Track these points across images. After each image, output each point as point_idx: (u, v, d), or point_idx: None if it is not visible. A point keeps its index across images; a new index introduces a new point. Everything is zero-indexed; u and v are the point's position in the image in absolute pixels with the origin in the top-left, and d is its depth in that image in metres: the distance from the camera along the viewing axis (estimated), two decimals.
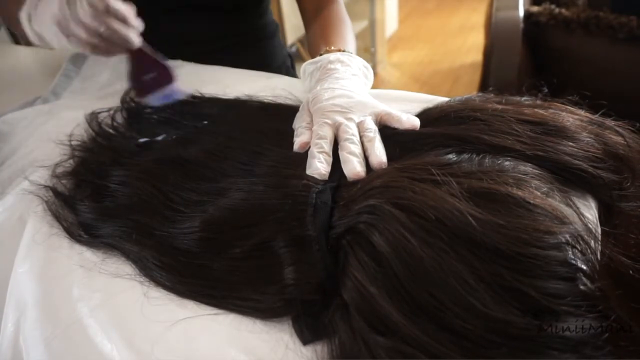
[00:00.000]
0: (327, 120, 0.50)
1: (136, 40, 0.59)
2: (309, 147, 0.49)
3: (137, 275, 0.42)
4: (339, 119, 0.50)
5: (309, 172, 0.45)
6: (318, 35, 0.72)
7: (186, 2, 0.78)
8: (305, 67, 0.63)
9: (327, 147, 0.48)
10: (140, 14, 0.81)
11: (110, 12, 0.55)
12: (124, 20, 0.56)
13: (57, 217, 0.49)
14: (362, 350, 0.30)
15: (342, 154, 0.46)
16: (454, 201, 0.34)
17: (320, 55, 0.63)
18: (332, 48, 0.63)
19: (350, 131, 0.48)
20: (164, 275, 0.41)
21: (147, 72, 0.64)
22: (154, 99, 0.65)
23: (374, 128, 0.49)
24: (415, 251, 0.32)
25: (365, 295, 0.32)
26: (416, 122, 0.49)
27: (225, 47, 0.82)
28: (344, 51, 0.63)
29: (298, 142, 0.50)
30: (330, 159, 0.47)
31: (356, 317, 0.32)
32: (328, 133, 0.49)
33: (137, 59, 0.63)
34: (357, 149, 0.46)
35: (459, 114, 0.48)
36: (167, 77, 0.65)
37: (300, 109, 0.56)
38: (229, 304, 0.38)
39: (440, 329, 0.30)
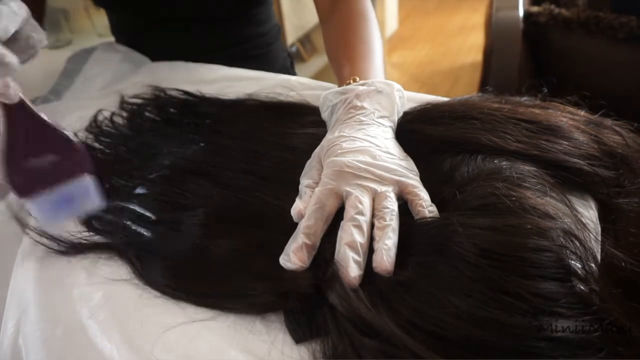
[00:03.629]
0: (333, 185, 0.40)
1: (11, 89, 0.34)
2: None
3: (133, 278, 0.42)
4: (351, 186, 0.40)
5: (282, 262, 0.37)
6: (339, 48, 0.59)
7: (186, 14, 0.78)
8: (327, 96, 0.52)
9: (319, 225, 0.38)
10: (138, 24, 0.82)
11: None
12: None
13: None
14: (349, 351, 0.31)
15: (340, 245, 0.36)
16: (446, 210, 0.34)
17: (347, 84, 0.52)
18: (359, 80, 0.51)
19: (360, 208, 0.38)
20: (158, 264, 0.41)
21: (36, 153, 0.37)
22: (45, 206, 0.38)
23: (393, 209, 0.38)
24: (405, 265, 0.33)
25: (350, 299, 0.33)
26: (435, 211, 0.39)
27: (226, 57, 0.81)
28: (372, 80, 0.51)
29: (295, 209, 0.40)
30: (317, 245, 0.38)
31: (342, 318, 0.32)
32: (329, 204, 0.39)
33: (19, 123, 0.35)
34: (360, 237, 0.36)
35: (454, 114, 0.48)
36: (73, 167, 0.38)
37: (312, 156, 0.47)
38: (223, 301, 0.38)
39: (427, 332, 0.30)
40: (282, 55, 0.94)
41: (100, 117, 0.65)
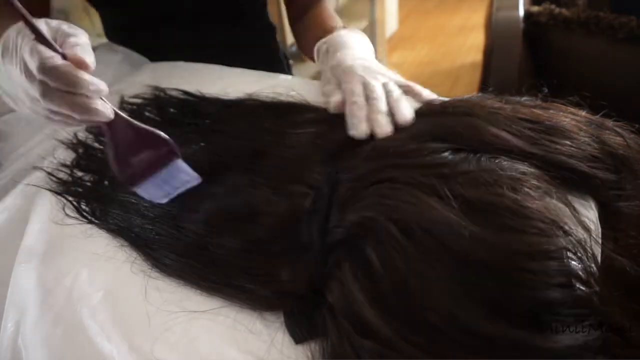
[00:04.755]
0: (356, 78, 0.52)
1: (105, 110, 0.40)
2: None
3: (135, 263, 0.42)
4: (366, 77, 0.52)
5: (352, 133, 0.47)
6: (316, 24, 0.71)
7: (185, 10, 0.78)
8: (319, 46, 0.63)
9: (363, 103, 0.49)
10: (133, 23, 0.82)
11: (48, 71, 0.37)
12: (74, 84, 0.37)
13: (68, 199, 0.51)
14: (348, 351, 0.31)
15: (371, 115, 0.48)
16: (450, 215, 0.34)
17: (324, 31, 0.65)
18: (339, 25, 0.66)
19: (377, 90, 0.50)
20: (167, 254, 0.42)
21: (134, 152, 0.45)
22: (153, 190, 0.47)
23: (399, 90, 0.51)
24: (404, 271, 0.32)
25: (350, 301, 0.33)
26: (434, 96, 0.52)
27: (224, 54, 0.81)
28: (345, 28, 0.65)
29: (333, 102, 0.51)
30: (368, 115, 0.48)
31: (341, 319, 0.32)
32: (360, 90, 0.50)
33: (117, 134, 0.44)
34: (384, 107, 0.48)
35: (457, 109, 0.48)
36: (165, 155, 0.46)
37: (322, 76, 0.59)
38: (228, 289, 0.38)
39: (424, 336, 0.30)
40: (279, 56, 0.95)
41: None
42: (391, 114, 0.49)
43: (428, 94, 0.52)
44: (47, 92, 0.37)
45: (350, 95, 0.50)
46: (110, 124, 0.42)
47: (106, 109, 0.40)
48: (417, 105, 0.53)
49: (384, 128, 0.47)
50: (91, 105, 0.39)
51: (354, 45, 0.59)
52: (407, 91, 0.52)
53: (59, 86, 0.37)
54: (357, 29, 0.65)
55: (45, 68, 0.36)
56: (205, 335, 0.36)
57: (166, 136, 0.46)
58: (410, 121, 0.47)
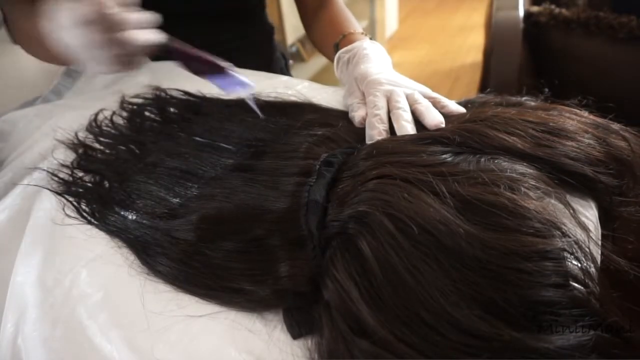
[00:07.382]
0: (380, 91, 0.53)
1: (152, 38, 0.49)
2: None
3: (134, 264, 0.43)
4: (391, 90, 0.53)
5: (369, 144, 0.48)
6: (332, 26, 0.73)
7: (182, 11, 0.78)
8: (340, 56, 0.65)
9: (385, 117, 0.50)
10: None
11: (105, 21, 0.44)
12: (124, 24, 0.46)
13: (68, 199, 0.51)
14: (341, 349, 0.31)
15: (398, 122, 0.49)
16: (445, 213, 0.34)
17: (344, 36, 0.68)
18: (356, 31, 0.68)
19: (402, 100, 0.51)
20: (162, 260, 0.42)
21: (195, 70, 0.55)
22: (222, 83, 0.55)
23: (426, 100, 0.52)
24: (399, 267, 0.33)
25: (344, 297, 0.33)
26: (462, 109, 0.51)
27: (221, 55, 0.82)
28: (366, 35, 0.66)
29: (358, 117, 0.53)
30: (388, 129, 0.50)
31: (336, 316, 0.32)
32: (384, 103, 0.52)
33: (180, 58, 0.54)
34: (409, 116, 0.50)
35: (460, 115, 0.48)
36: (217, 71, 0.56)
37: (347, 87, 0.60)
38: (224, 294, 0.38)
39: (419, 336, 0.29)
40: (277, 56, 0.95)
41: (100, 117, 0.65)
42: (418, 122, 0.50)
43: (456, 107, 0.51)
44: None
45: (372, 107, 0.51)
46: (175, 51, 0.52)
47: (150, 37, 0.49)
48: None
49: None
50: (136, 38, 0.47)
51: (375, 58, 0.60)
52: (433, 103, 0.52)
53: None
54: (375, 41, 0.66)
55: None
56: (205, 335, 0.36)
57: (213, 58, 0.54)
58: (442, 123, 0.48)
